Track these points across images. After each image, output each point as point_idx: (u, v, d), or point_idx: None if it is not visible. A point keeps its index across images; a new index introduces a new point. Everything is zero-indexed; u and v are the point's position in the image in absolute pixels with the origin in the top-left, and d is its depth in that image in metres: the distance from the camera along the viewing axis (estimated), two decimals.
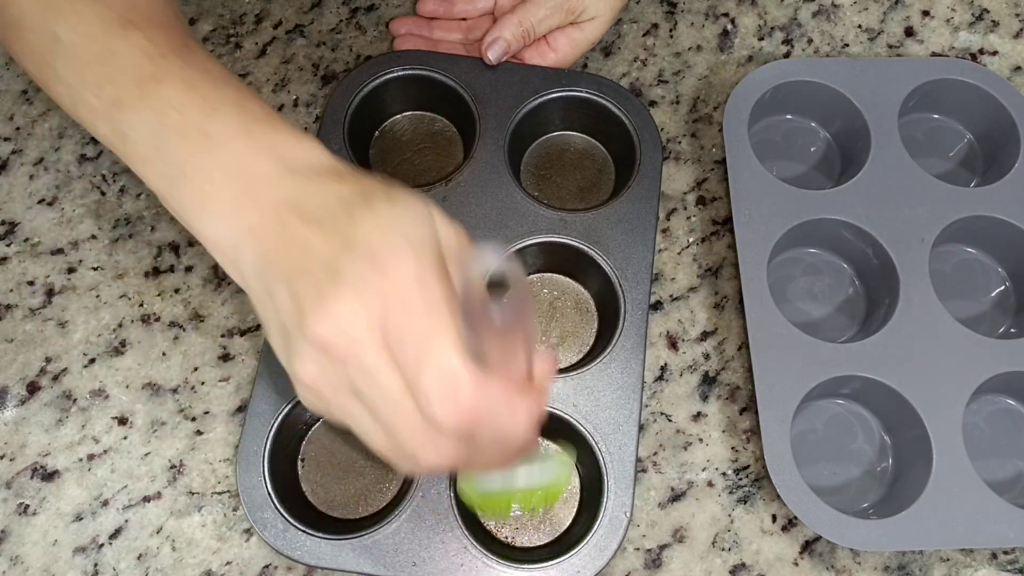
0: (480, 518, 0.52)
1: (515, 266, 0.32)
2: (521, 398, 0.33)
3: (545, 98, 0.59)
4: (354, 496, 0.52)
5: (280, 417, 0.51)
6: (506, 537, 0.52)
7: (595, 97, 0.59)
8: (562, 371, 0.53)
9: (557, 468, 0.44)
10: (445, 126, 0.63)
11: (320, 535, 0.48)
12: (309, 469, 0.53)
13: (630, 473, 0.50)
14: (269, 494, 0.49)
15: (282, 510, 0.49)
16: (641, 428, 0.53)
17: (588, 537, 0.48)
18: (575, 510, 0.52)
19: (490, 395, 0.32)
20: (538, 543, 0.51)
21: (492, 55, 0.58)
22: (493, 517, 0.52)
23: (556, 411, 0.51)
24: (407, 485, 0.51)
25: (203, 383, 0.55)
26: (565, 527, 0.52)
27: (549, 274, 0.58)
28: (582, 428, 0.51)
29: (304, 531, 0.48)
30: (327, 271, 0.32)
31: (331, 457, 0.53)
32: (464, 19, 0.63)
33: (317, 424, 0.54)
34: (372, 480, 0.53)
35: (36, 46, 0.39)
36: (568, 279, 0.58)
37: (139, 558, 0.51)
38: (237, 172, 0.36)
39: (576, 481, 0.53)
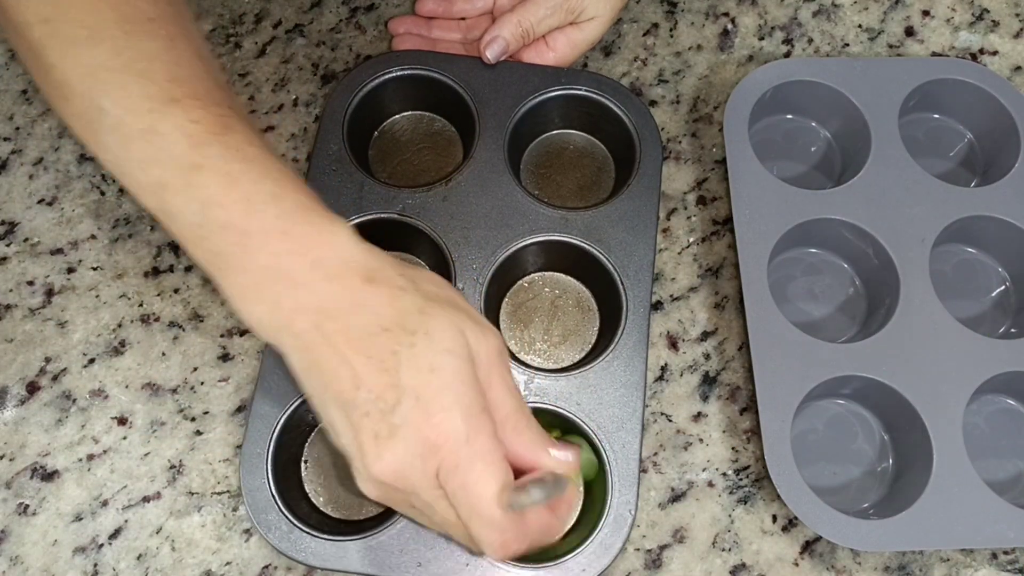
0: None
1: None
2: (556, 520, 0.40)
3: (544, 97, 0.59)
4: (358, 497, 0.52)
5: (283, 419, 0.50)
6: None
7: (594, 95, 0.59)
8: (565, 369, 0.53)
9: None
10: (444, 126, 0.63)
11: (324, 536, 0.48)
12: (312, 470, 0.53)
13: (634, 471, 0.50)
14: (273, 496, 0.49)
15: (286, 512, 0.48)
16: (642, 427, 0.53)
17: (593, 536, 0.48)
18: (579, 509, 0.52)
19: (529, 532, 0.39)
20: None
21: (490, 54, 0.58)
22: None
23: (559, 409, 0.51)
24: None
25: (203, 383, 0.55)
26: (569, 526, 0.52)
27: (550, 273, 0.58)
28: (585, 426, 0.51)
29: (308, 533, 0.48)
30: (382, 416, 0.36)
31: (334, 458, 0.53)
32: (463, 19, 0.63)
33: (320, 425, 0.54)
34: None
35: (82, 113, 0.40)
36: (569, 278, 0.58)
37: (139, 558, 0.51)
38: (275, 273, 0.38)
39: (580, 481, 0.53)
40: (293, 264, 0.38)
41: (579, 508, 0.52)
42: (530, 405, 0.51)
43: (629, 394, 0.51)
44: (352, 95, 0.59)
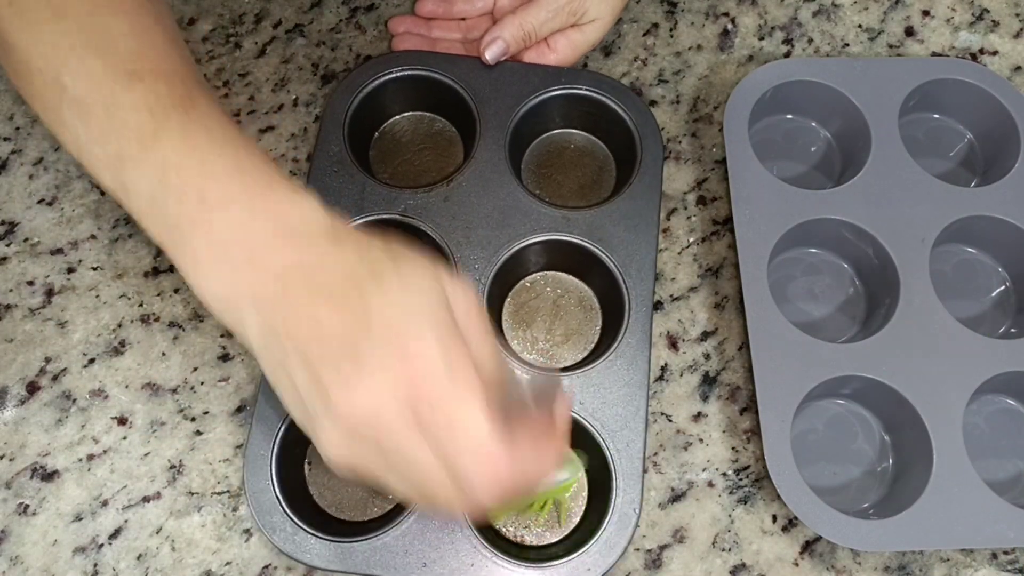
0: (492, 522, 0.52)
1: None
2: (547, 450, 0.36)
3: (545, 96, 0.59)
4: (362, 498, 0.52)
5: (286, 420, 0.50)
6: (516, 536, 0.52)
7: (595, 94, 0.59)
8: (568, 369, 0.53)
9: (567, 472, 0.47)
10: (445, 126, 0.63)
11: (329, 538, 0.48)
12: (316, 472, 0.53)
13: (638, 469, 0.50)
14: (277, 498, 0.49)
15: (291, 513, 0.48)
16: None
17: (597, 535, 0.48)
18: (583, 508, 0.52)
19: (522, 461, 0.34)
20: (548, 542, 0.51)
21: (490, 55, 0.58)
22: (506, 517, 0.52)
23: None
24: None
25: (203, 383, 0.55)
26: (574, 525, 0.52)
27: (552, 272, 0.58)
28: (589, 426, 0.51)
29: (313, 534, 0.48)
30: (348, 355, 0.33)
31: None
32: (463, 19, 0.63)
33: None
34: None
35: (44, 90, 0.39)
36: (571, 277, 0.58)
37: (139, 558, 0.51)
38: (234, 239, 0.36)
39: (584, 479, 0.53)
40: (255, 230, 0.36)
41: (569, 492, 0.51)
42: None
43: (632, 393, 0.51)
44: (353, 96, 0.59)
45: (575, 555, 0.48)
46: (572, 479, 0.49)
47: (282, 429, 0.50)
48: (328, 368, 0.33)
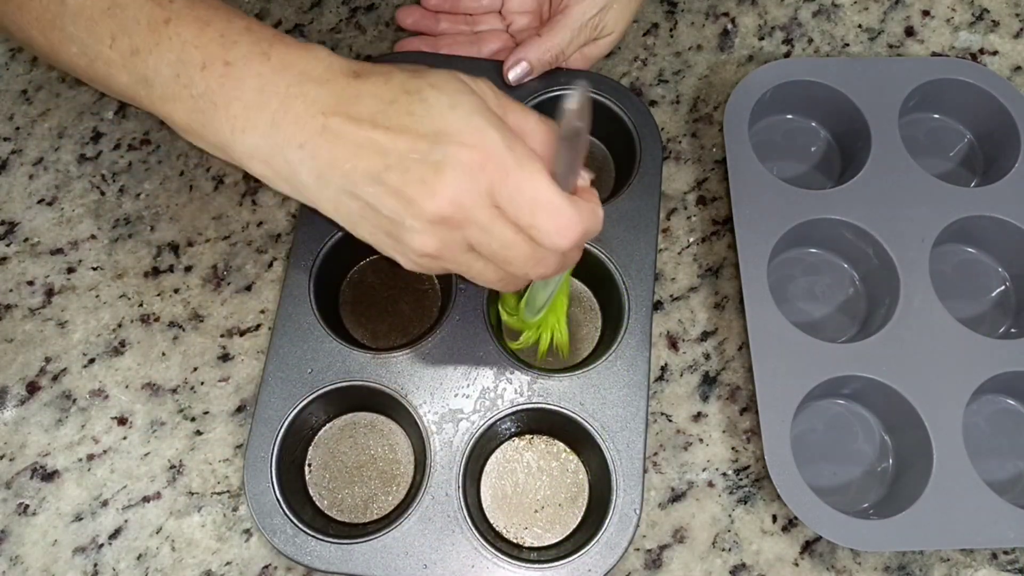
0: (515, 348, 0.54)
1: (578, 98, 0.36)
2: (594, 202, 0.41)
3: (544, 97, 0.59)
4: (362, 500, 0.52)
5: (286, 423, 0.50)
6: (516, 537, 0.52)
7: (594, 95, 0.59)
8: (568, 369, 0.53)
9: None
10: None
11: (329, 539, 0.48)
12: (316, 473, 0.53)
13: (638, 470, 0.50)
14: (277, 499, 0.49)
15: (290, 516, 0.48)
16: None
17: (598, 535, 0.48)
18: (584, 509, 0.52)
19: (585, 213, 0.39)
20: (548, 543, 0.51)
21: (513, 76, 0.58)
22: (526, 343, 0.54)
23: (562, 409, 0.51)
24: (415, 488, 0.51)
25: (203, 383, 0.55)
26: (574, 527, 0.52)
27: None
28: (589, 426, 0.51)
29: (313, 536, 0.48)
30: (422, 162, 0.37)
31: (338, 461, 0.53)
32: (470, 14, 0.63)
33: (323, 429, 0.54)
34: (380, 484, 0.52)
35: (41, 13, 0.41)
36: (571, 278, 0.58)
37: (139, 558, 0.51)
38: (268, 92, 0.38)
39: (584, 478, 0.53)
40: (280, 80, 0.38)
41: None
42: (532, 406, 0.51)
43: (632, 393, 0.51)
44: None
45: (576, 556, 0.48)
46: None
47: (282, 431, 0.50)
48: (408, 179, 0.37)
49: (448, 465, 0.50)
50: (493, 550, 0.48)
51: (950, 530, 0.49)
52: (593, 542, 0.48)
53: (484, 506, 0.52)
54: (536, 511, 0.52)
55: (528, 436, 0.54)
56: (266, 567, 0.51)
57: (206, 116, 0.39)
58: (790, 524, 0.53)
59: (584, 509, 0.52)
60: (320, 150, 0.38)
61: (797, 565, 0.52)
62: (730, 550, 0.52)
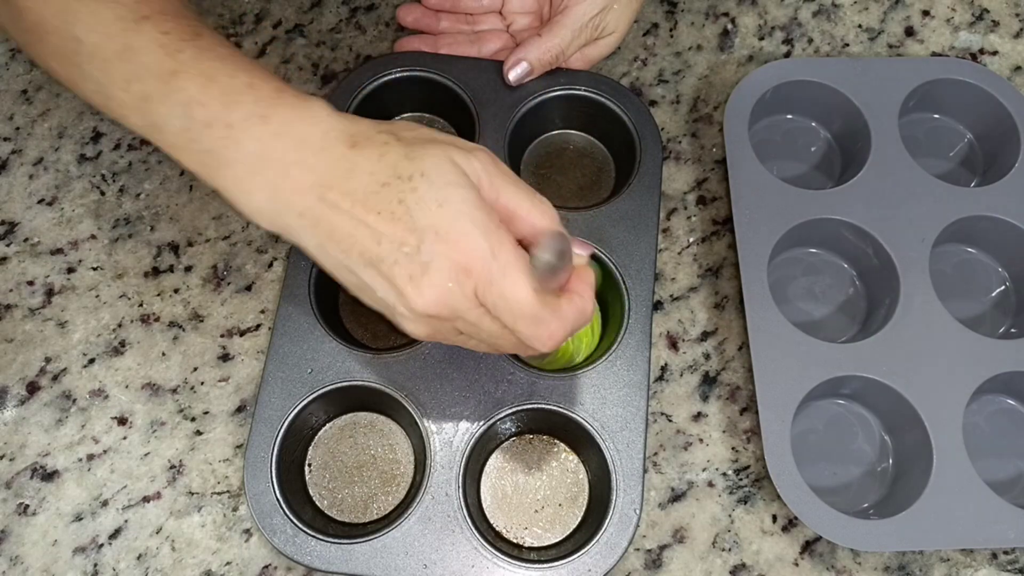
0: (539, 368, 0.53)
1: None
2: (583, 301, 0.42)
3: (544, 97, 0.59)
4: (362, 500, 0.52)
5: (286, 422, 0.50)
6: (516, 538, 0.52)
7: (594, 95, 0.59)
8: (568, 370, 0.53)
9: None
10: (444, 127, 0.63)
11: (329, 539, 0.48)
12: (316, 473, 0.53)
13: (638, 470, 0.50)
14: (277, 499, 0.49)
15: (290, 516, 0.48)
16: None
17: (598, 535, 0.48)
18: (584, 509, 0.52)
19: (566, 317, 0.41)
20: (548, 543, 0.51)
21: (513, 76, 0.58)
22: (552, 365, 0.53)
23: (562, 409, 0.51)
24: (415, 488, 0.51)
25: (203, 383, 0.55)
26: (574, 527, 0.52)
27: None
28: (589, 426, 0.51)
29: (313, 536, 0.48)
30: (409, 258, 0.38)
31: (338, 461, 0.53)
32: (470, 14, 0.63)
33: (323, 429, 0.54)
34: (379, 484, 0.53)
35: (59, 48, 0.42)
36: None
37: (139, 558, 0.51)
38: (265, 158, 0.39)
39: (584, 478, 0.53)
40: (279, 146, 0.39)
41: (597, 316, 0.53)
42: (532, 406, 0.51)
43: (632, 394, 0.51)
44: (352, 97, 0.59)
45: (576, 556, 0.48)
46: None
47: (282, 431, 0.50)
48: (398, 273, 0.38)
49: (448, 465, 0.50)
50: (493, 550, 0.48)
51: (950, 530, 0.49)
52: (593, 542, 0.48)
53: (484, 506, 0.52)
54: (536, 511, 0.52)
55: (528, 436, 0.54)
56: (266, 567, 0.51)
57: (213, 172, 0.40)
58: (790, 524, 0.53)
59: (584, 509, 0.52)
60: (319, 220, 0.39)
61: (797, 565, 0.52)
62: (730, 550, 0.52)
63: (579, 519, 0.52)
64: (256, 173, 0.39)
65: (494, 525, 0.52)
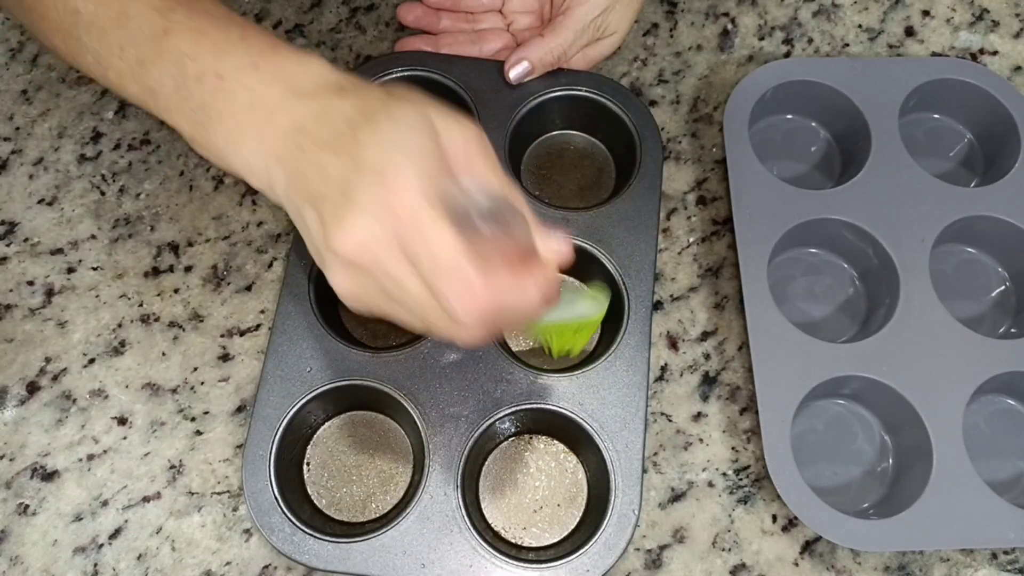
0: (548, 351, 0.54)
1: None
2: (527, 277, 0.37)
3: (544, 97, 0.59)
4: (360, 499, 0.52)
5: (285, 421, 0.50)
6: (515, 538, 0.52)
7: (594, 95, 0.59)
8: (567, 370, 0.53)
9: (586, 308, 0.49)
10: None
11: (327, 538, 0.48)
12: (315, 472, 0.53)
13: (637, 471, 0.50)
14: (276, 498, 0.49)
15: (289, 514, 0.48)
16: None
17: (596, 536, 0.48)
18: (582, 509, 0.52)
19: (499, 285, 0.36)
20: (547, 543, 0.51)
21: (514, 75, 0.58)
22: (558, 348, 0.53)
23: (561, 409, 0.51)
24: (413, 487, 0.51)
25: (203, 383, 0.55)
26: (573, 527, 0.52)
27: None
28: (588, 426, 0.51)
29: (311, 535, 0.48)
30: (341, 193, 0.36)
31: (336, 460, 0.53)
32: (471, 12, 0.63)
33: (322, 427, 0.54)
34: (378, 483, 0.53)
35: (59, 22, 0.42)
36: (571, 278, 0.58)
37: (139, 558, 0.51)
38: (253, 106, 0.39)
39: (583, 478, 0.53)
40: (268, 93, 0.39)
41: (589, 332, 0.53)
42: (531, 406, 0.51)
43: (632, 394, 0.51)
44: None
45: (574, 556, 0.48)
46: (590, 317, 0.49)
47: (280, 430, 0.50)
48: (327, 208, 0.36)
49: (447, 464, 0.50)
50: (491, 550, 0.48)
51: (950, 530, 0.49)
52: (592, 542, 0.48)
53: (483, 506, 0.52)
54: (535, 511, 0.52)
55: (527, 436, 0.54)
56: (266, 567, 0.51)
57: (205, 129, 0.40)
58: (790, 524, 0.53)
59: (583, 509, 0.52)
60: (287, 164, 0.38)
61: (797, 565, 0.52)
62: (730, 550, 0.52)
63: (578, 519, 0.52)
64: (246, 124, 0.39)
65: (492, 525, 0.52)
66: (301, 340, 0.52)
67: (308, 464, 0.53)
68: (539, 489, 0.53)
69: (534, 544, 0.51)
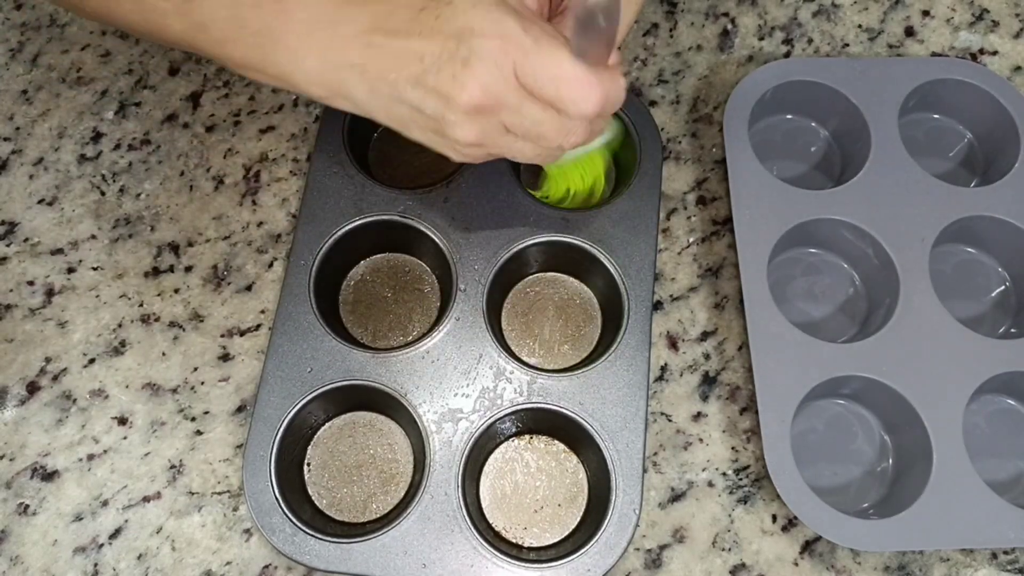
0: (555, 197, 0.56)
1: None
2: (617, 71, 0.42)
3: None
4: (361, 499, 0.52)
5: (285, 422, 0.51)
6: (516, 538, 0.52)
7: None
8: (567, 369, 0.53)
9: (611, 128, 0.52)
10: None
11: (328, 539, 0.48)
12: (315, 473, 0.53)
13: (638, 470, 0.50)
14: (276, 499, 0.49)
15: (289, 515, 0.48)
16: None
17: (597, 535, 0.48)
18: (583, 509, 0.52)
19: (606, 81, 0.41)
20: (547, 543, 0.51)
21: None
22: (570, 189, 0.56)
23: (562, 409, 0.51)
24: (414, 488, 0.51)
25: (203, 383, 0.55)
26: (573, 527, 0.52)
27: (552, 273, 0.58)
28: (588, 426, 0.51)
29: (312, 535, 0.48)
30: (453, 62, 0.40)
31: (337, 461, 0.53)
32: None
33: (322, 428, 0.54)
34: (378, 483, 0.53)
35: None
36: (571, 278, 0.58)
37: (139, 558, 0.51)
38: (316, 21, 0.42)
39: (584, 478, 0.53)
40: (325, 6, 0.42)
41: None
42: (532, 406, 0.51)
43: (632, 393, 0.51)
44: (345, 115, 0.58)
45: (575, 555, 0.48)
46: (615, 135, 0.53)
47: (281, 430, 0.50)
48: (442, 78, 0.40)
49: (447, 465, 0.50)
50: (492, 549, 0.48)
51: (950, 530, 0.49)
52: (592, 542, 0.48)
53: (483, 506, 0.52)
54: (535, 511, 0.52)
55: (527, 436, 0.54)
56: (266, 567, 0.51)
57: (264, 51, 0.42)
58: (790, 524, 0.53)
59: (583, 509, 0.52)
60: (368, 65, 0.41)
61: (797, 565, 0.52)
62: (730, 550, 0.52)
63: (578, 519, 0.52)
64: (307, 36, 0.42)
65: (493, 525, 0.52)
66: (301, 340, 0.52)
67: (309, 464, 0.53)
68: (539, 489, 0.53)
69: (535, 544, 0.51)
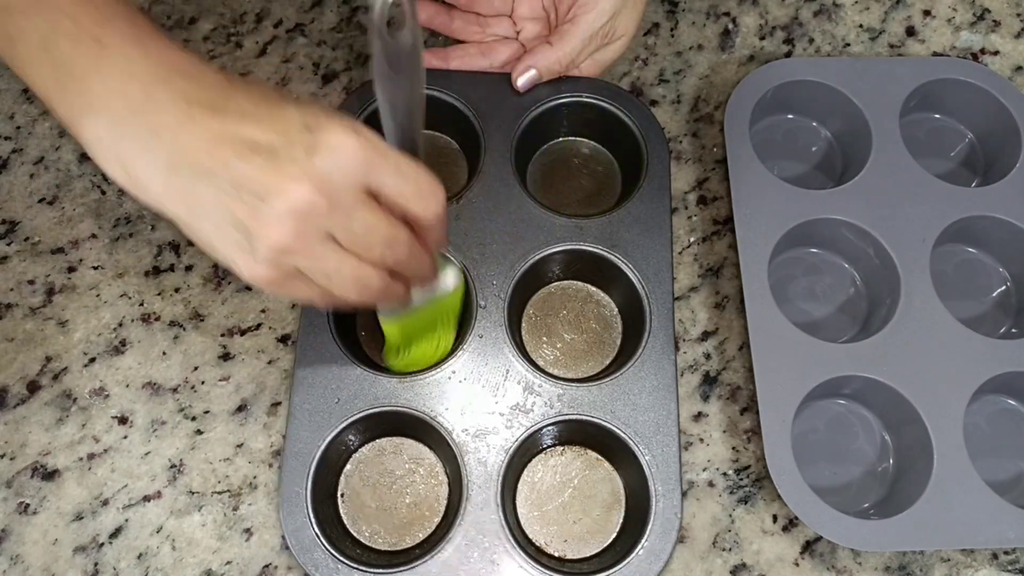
0: (406, 363, 0.53)
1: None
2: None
3: (546, 106, 0.59)
4: (399, 525, 0.51)
5: (318, 455, 0.49)
6: (557, 551, 0.51)
7: (596, 101, 0.59)
8: (595, 378, 0.52)
9: (449, 276, 0.49)
10: (448, 143, 0.62)
11: (373, 570, 0.47)
12: (349, 503, 0.52)
13: (675, 474, 0.49)
14: (316, 534, 0.48)
15: (331, 548, 0.47)
16: None
17: (641, 542, 0.48)
18: (622, 517, 0.51)
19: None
20: (588, 554, 0.51)
21: (522, 83, 0.58)
22: (422, 356, 0.53)
23: (594, 419, 0.51)
24: (453, 509, 0.50)
25: (203, 383, 0.55)
26: (614, 536, 0.51)
27: (570, 281, 0.58)
28: (622, 434, 0.50)
29: (356, 568, 0.47)
30: (294, 145, 0.36)
31: (369, 489, 0.52)
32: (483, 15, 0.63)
33: (352, 456, 0.53)
34: (414, 508, 0.52)
35: None
36: (589, 285, 0.58)
37: (139, 557, 0.51)
38: (133, 77, 0.38)
39: (620, 486, 0.52)
40: (149, 67, 0.38)
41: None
42: (564, 418, 0.51)
43: (662, 397, 0.51)
44: (356, 117, 0.58)
45: (622, 564, 0.47)
46: (458, 285, 0.50)
47: (314, 463, 0.49)
48: (280, 161, 0.37)
49: (485, 484, 0.49)
50: (539, 566, 0.47)
51: (950, 530, 0.49)
52: (637, 549, 0.47)
53: (522, 522, 0.51)
54: (574, 522, 0.51)
55: (561, 448, 0.53)
56: (266, 566, 0.51)
57: (62, 86, 0.38)
58: (790, 524, 0.53)
59: (622, 517, 0.52)
60: (179, 138, 0.37)
61: (797, 565, 0.52)
62: (730, 550, 0.52)
63: (618, 528, 0.51)
64: (115, 92, 0.38)
65: (534, 540, 0.51)
66: (326, 371, 0.51)
67: (343, 495, 0.52)
68: (576, 500, 0.52)
69: (576, 556, 0.51)
